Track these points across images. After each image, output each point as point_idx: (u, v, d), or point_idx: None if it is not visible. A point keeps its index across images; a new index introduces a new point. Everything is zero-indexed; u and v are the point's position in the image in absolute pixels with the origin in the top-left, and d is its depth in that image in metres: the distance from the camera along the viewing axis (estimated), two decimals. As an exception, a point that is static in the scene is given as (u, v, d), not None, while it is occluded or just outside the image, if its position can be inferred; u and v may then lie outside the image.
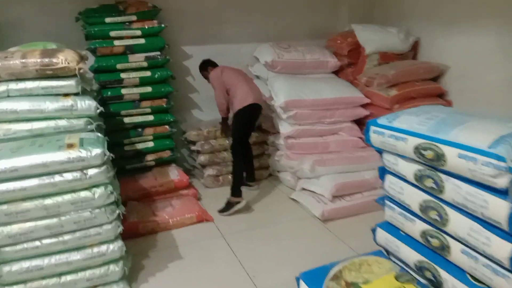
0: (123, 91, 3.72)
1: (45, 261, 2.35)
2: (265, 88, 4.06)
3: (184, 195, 3.69)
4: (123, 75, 3.69)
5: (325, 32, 4.62)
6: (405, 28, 4.12)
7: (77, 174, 2.32)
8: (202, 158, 3.99)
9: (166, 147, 3.95)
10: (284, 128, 3.89)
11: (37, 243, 2.34)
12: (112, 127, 3.74)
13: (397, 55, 4.07)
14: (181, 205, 3.43)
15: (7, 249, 2.30)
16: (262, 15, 4.43)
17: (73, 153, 2.28)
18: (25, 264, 2.32)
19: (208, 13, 4.20)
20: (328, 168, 3.54)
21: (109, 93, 3.69)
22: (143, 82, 3.76)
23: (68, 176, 2.30)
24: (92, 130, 2.62)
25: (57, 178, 2.29)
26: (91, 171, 2.34)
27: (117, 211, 2.47)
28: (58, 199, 2.31)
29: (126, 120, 3.79)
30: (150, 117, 3.85)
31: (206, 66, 3.87)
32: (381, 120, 1.97)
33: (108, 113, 3.70)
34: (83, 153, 2.30)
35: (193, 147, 4.05)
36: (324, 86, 3.98)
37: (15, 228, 2.28)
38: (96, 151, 2.32)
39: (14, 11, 3.58)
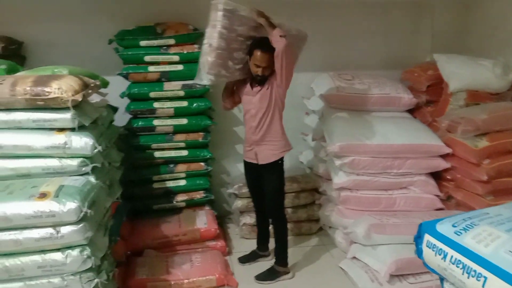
0: (156, 122, 3.31)
1: (3, 334, 1.92)
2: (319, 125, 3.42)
3: (210, 248, 3.14)
4: (156, 105, 3.29)
5: (401, 62, 3.85)
6: (503, 61, 3.22)
7: (47, 232, 1.87)
8: (239, 204, 3.42)
9: (200, 187, 3.45)
10: (338, 177, 3.18)
11: (-4, 310, 1.92)
12: (140, 162, 3.35)
13: (491, 95, 3.18)
14: (203, 262, 2.88)
15: (-40, 314, 1.91)
16: (325, 40, 3.79)
17: (42, 206, 1.85)
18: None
19: (260, 37, 3.67)
20: (389, 237, 2.76)
21: (140, 123, 3.30)
22: (178, 113, 3.33)
23: (35, 233, 1.86)
24: (86, 173, 2.18)
25: (23, 234, 1.86)
26: (65, 229, 1.89)
27: (96, 280, 1.97)
28: (23, 260, 1.88)
29: (157, 154, 3.36)
30: (184, 152, 3.39)
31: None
32: (443, 227, 1.21)
33: (138, 146, 3.33)
34: (55, 207, 1.86)
35: (229, 190, 3.51)
36: (392, 129, 3.22)
37: (-30, 290, 1.88)
38: (71, 205, 1.86)
39: (47, 32, 3.35)
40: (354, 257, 2.93)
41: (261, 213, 3.01)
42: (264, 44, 2.51)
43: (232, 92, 2.81)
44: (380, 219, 2.88)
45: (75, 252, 1.91)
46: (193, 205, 3.47)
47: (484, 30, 3.61)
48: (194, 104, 3.32)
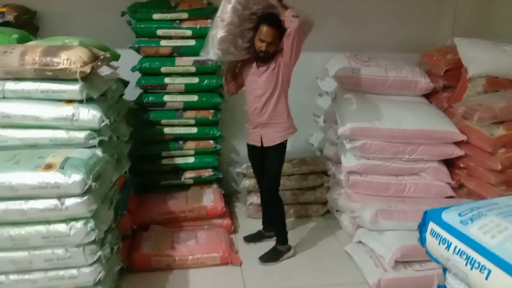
0: (166, 97, 3.29)
1: (9, 300, 1.96)
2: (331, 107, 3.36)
3: (216, 225, 3.15)
4: (167, 80, 3.26)
5: (420, 45, 3.72)
6: (527, 47, 3.10)
7: (51, 203, 1.88)
8: (246, 183, 3.41)
9: (208, 165, 3.44)
10: (347, 160, 3.13)
11: (1, 277, 1.95)
12: (150, 137, 3.35)
13: (512, 82, 3.08)
14: (207, 239, 2.89)
15: (-33, 279, 1.94)
16: (342, 20, 3.69)
17: (47, 177, 1.85)
18: (-16, 301, 1.95)
19: (276, 15, 3.58)
20: (396, 223, 2.72)
21: (150, 98, 3.28)
22: (188, 90, 3.30)
23: (40, 203, 1.87)
24: (93, 146, 2.17)
25: (28, 204, 1.87)
26: (69, 201, 1.89)
27: (99, 253, 1.99)
28: (28, 229, 1.90)
29: (167, 130, 3.35)
30: (194, 130, 3.38)
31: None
32: (449, 215, 1.16)
33: (147, 121, 3.32)
34: (60, 178, 1.86)
35: (238, 169, 3.49)
36: (406, 113, 3.13)
37: (-23, 256, 1.91)
38: (76, 177, 1.86)
39: (61, 3, 3.33)
40: (360, 242, 2.90)
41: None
42: (272, 19, 2.46)
43: (235, 74, 2.74)
44: (388, 204, 2.83)
45: (79, 224, 1.92)
46: (201, 182, 3.47)
47: (509, 14, 3.46)
48: (205, 81, 3.28)
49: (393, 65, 3.42)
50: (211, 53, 2.47)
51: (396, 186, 3.13)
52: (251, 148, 2.84)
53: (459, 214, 1.15)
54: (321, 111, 3.69)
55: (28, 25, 3.14)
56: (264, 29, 2.46)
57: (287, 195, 3.40)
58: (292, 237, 3.13)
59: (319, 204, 3.51)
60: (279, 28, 2.45)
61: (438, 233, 1.17)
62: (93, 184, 1.89)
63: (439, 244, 1.17)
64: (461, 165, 3.10)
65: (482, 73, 3.06)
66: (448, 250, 1.13)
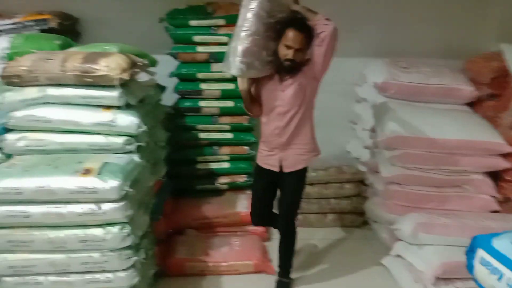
0: (202, 103, 3.30)
1: (47, 300, 2.00)
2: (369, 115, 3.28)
3: (250, 232, 3.11)
4: (203, 86, 3.27)
5: (462, 50, 3.57)
6: None
7: (89, 207, 1.91)
8: (281, 190, 3.36)
9: (242, 170, 3.41)
10: (386, 169, 3.03)
11: (40, 278, 2.01)
12: (186, 142, 3.36)
13: None
14: (241, 247, 2.86)
15: (8, 279, 1.99)
16: (380, 24, 3.60)
17: (85, 182, 1.88)
18: (25, 300, 2.00)
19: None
20: (437, 238, 2.60)
21: (186, 104, 3.30)
22: (224, 96, 3.29)
23: (78, 208, 1.90)
24: (130, 152, 2.19)
25: (66, 208, 1.91)
26: (106, 206, 1.91)
27: (134, 258, 2.00)
28: (66, 233, 1.94)
29: (202, 135, 3.35)
30: (229, 135, 3.36)
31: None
32: (501, 243, 1.08)
33: (183, 126, 3.33)
34: (97, 183, 1.89)
35: (272, 176, 3.45)
36: (449, 122, 3.00)
37: (18, 257, 1.97)
38: (113, 183, 1.88)
39: (101, 9, 3.41)
40: (398, 255, 2.80)
41: (261, 216, 2.69)
42: (299, 23, 2.18)
43: (253, 98, 2.42)
44: (429, 217, 2.71)
45: (115, 229, 1.94)
46: (235, 188, 3.44)
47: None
48: (241, 87, 3.27)
49: (435, 72, 3.30)
50: (233, 67, 2.18)
51: (437, 198, 3.00)
52: (263, 171, 2.48)
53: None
54: (358, 118, 3.60)
55: (70, 31, 3.24)
56: (291, 34, 2.15)
57: (322, 203, 3.34)
58: (327, 247, 3.08)
59: (356, 214, 3.41)
60: (307, 34, 2.18)
61: (488, 262, 1.08)
62: (130, 190, 1.90)
63: (489, 274, 1.08)
64: (507, 178, 2.93)
65: (532, 81, 2.90)
66: (499, 281, 1.04)
